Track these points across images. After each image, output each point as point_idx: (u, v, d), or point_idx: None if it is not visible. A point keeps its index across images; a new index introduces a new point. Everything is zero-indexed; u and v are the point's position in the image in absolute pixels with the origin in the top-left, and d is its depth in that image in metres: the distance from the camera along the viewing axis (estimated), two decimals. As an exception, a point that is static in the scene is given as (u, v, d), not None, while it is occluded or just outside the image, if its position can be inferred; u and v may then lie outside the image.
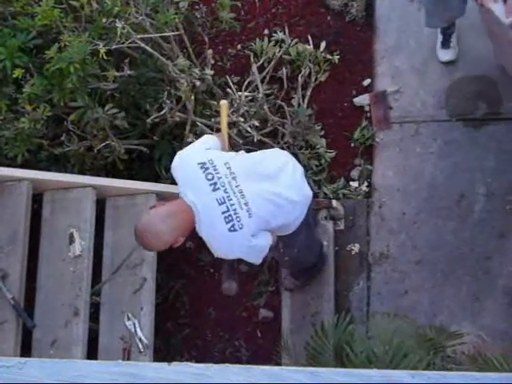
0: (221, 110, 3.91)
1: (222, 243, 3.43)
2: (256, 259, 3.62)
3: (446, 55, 4.87)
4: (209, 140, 3.71)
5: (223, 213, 3.35)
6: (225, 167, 3.44)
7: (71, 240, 4.38)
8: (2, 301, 4.26)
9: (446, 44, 4.83)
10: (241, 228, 3.36)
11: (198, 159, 3.45)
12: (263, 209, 3.45)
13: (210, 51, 4.80)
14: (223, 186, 3.38)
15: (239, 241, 3.40)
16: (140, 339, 4.28)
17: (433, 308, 4.48)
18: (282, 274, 4.60)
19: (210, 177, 3.39)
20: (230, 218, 3.35)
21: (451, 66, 4.89)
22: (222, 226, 3.35)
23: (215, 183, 3.38)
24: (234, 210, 3.36)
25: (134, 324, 4.30)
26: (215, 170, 3.41)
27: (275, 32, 5.15)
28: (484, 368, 3.22)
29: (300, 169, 3.75)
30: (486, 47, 4.75)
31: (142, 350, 4.27)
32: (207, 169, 3.41)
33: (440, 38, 4.83)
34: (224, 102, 3.93)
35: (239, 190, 3.40)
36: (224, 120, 3.84)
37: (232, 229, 3.35)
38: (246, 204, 3.38)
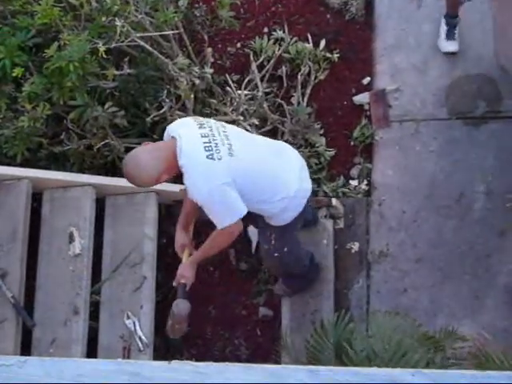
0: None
1: (198, 173, 3.42)
2: (223, 217, 3.53)
3: (450, 46, 4.88)
4: None
5: (204, 143, 3.42)
6: (218, 123, 3.61)
7: (71, 239, 4.38)
8: (1, 299, 4.26)
9: (450, 35, 4.85)
10: (219, 159, 3.40)
11: (191, 117, 3.72)
12: (247, 161, 3.51)
13: (209, 49, 4.80)
14: (209, 127, 3.49)
15: (215, 173, 3.40)
16: (140, 338, 4.29)
17: (433, 306, 4.48)
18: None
19: (198, 120, 3.55)
20: (209, 148, 3.40)
21: (452, 60, 4.89)
22: (200, 152, 3.39)
23: (202, 123, 3.51)
24: (216, 143, 3.43)
25: (134, 323, 4.30)
26: (205, 120, 3.60)
27: (275, 30, 5.15)
28: (485, 365, 3.23)
29: (301, 160, 3.81)
30: (485, 45, 4.76)
31: (141, 348, 4.27)
32: (197, 118, 3.62)
33: (445, 29, 4.84)
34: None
35: (225, 134, 3.50)
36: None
37: (210, 156, 3.39)
38: (229, 144, 3.46)
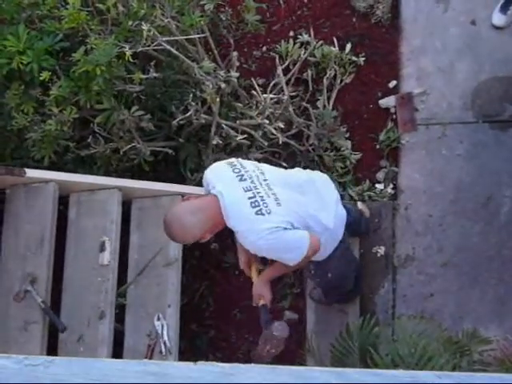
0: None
1: (252, 231, 3.30)
2: (294, 256, 3.41)
3: (500, 20, 4.90)
4: None
5: (249, 198, 3.30)
6: (254, 165, 3.47)
7: (102, 248, 4.38)
8: (30, 302, 4.29)
9: (504, 9, 4.88)
10: (269, 213, 3.27)
11: (226, 161, 3.49)
12: (293, 205, 3.38)
13: (235, 53, 4.80)
14: (250, 178, 3.38)
15: (268, 227, 3.27)
16: (164, 342, 4.29)
17: (459, 311, 4.45)
18: (307, 279, 4.57)
19: (236, 170, 3.40)
20: (256, 204, 3.29)
21: (479, 63, 4.87)
22: (248, 209, 3.29)
23: (242, 175, 3.38)
24: (261, 197, 3.31)
25: (163, 326, 4.30)
26: (242, 166, 3.43)
27: (300, 34, 5.14)
28: (511, 370, 3.20)
29: (335, 194, 3.69)
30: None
31: (164, 353, 4.27)
32: (235, 166, 3.43)
33: (502, 1, 4.87)
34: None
35: (266, 184, 3.37)
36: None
37: (259, 213, 3.27)
38: (273, 194, 3.34)
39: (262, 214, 3.27)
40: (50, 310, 4.27)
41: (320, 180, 3.69)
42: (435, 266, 4.55)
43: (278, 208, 3.30)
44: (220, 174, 3.44)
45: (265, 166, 3.53)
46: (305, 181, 3.60)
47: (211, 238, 3.57)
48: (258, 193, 3.32)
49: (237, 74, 4.65)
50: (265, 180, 3.39)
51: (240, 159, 3.50)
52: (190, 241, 3.46)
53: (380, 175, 4.82)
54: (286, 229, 3.30)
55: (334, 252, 3.69)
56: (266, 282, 3.74)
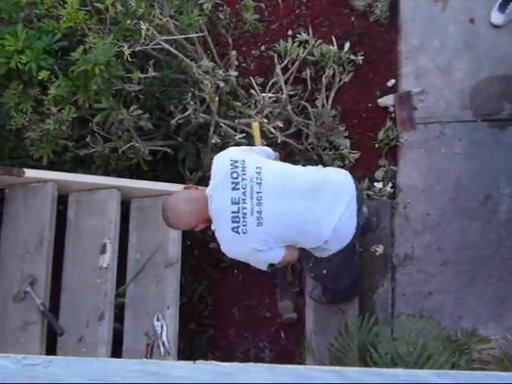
0: (253, 130, 4.04)
1: (225, 240, 3.46)
2: (259, 266, 3.62)
3: (498, 19, 4.91)
4: (260, 150, 3.76)
5: (232, 212, 3.37)
6: (254, 171, 3.44)
7: (103, 250, 4.38)
8: (30, 303, 4.28)
9: (502, 8, 4.88)
10: (244, 233, 3.37)
11: (233, 156, 3.49)
12: (277, 225, 3.43)
13: (233, 52, 4.81)
14: (244, 188, 3.40)
15: (239, 244, 3.42)
16: (163, 343, 4.29)
17: (458, 309, 4.45)
18: (306, 279, 4.57)
19: (234, 175, 3.42)
20: (236, 220, 3.37)
21: (477, 62, 4.87)
22: (226, 223, 3.38)
23: (237, 183, 3.40)
24: (244, 214, 3.37)
25: (162, 326, 4.30)
26: (243, 171, 3.43)
27: (299, 33, 5.14)
28: (510, 368, 3.20)
29: (348, 195, 3.61)
30: (510, 46, 4.73)
31: (162, 354, 4.26)
32: (236, 167, 3.44)
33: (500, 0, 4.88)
34: (255, 124, 4.04)
35: (258, 197, 3.40)
36: (257, 138, 3.98)
37: (235, 230, 3.37)
38: (258, 212, 3.38)
39: (238, 233, 3.37)
40: (48, 312, 4.26)
41: (335, 181, 3.63)
42: (434, 265, 4.55)
43: (256, 229, 3.37)
44: (220, 171, 3.48)
45: (269, 169, 3.50)
46: (315, 184, 3.55)
47: (208, 229, 3.66)
48: (244, 208, 3.37)
49: (235, 73, 4.65)
50: (258, 192, 3.40)
51: (248, 157, 3.50)
52: (184, 228, 3.67)
53: (379, 174, 4.82)
54: (259, 250, 3.42)
55: (338, 252, 3.67)
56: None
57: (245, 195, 3.38)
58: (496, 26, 4.89)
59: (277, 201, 3.42)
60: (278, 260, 3.54)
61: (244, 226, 3.36)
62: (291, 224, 3.47)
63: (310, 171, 3.64)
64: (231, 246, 3.46)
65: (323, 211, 3.50)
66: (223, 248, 3.50)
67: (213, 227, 3.48)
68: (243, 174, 3.42)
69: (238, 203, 3.37)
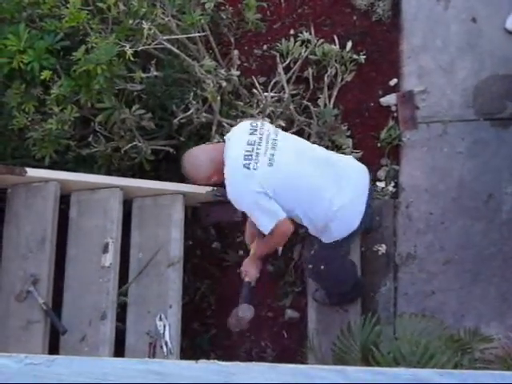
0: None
1: (235, 179, 3.57)
2: (263, 222, 3.64)
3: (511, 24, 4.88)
4: None
5: (246, 151, 3.53)
6: (273, 128, 3.71)
7: (105, 249, 4.38)
8: (32, 302, 4.28)
9: None
10: (254, 169, 3.51)
11: (253, 120, 3.82)
12: (285, 176, 3.58)
13: (235, 52, 4.81)
14: (261, 134, 3.59)
15: (248, 182, 3.52)
16: (166, 342, 4.28)
17: (460, 309, 4.45)
18: (309, 279, 4.56)
19: (254, 125, 3.66)
20: (249, 157, 3.52)
21: (479, 61, 4.86)
22: (239, 160, 3.53)
23: (255, 129, 3.61)
24: (257, 153, 3.53)
25: (164, 326, 4.30)
26: (262, 124, 3.69)
27: (301, 32, 5.14)
28: (513, 368, 3.20)
29: (361, 185, 3.81)
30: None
31: (165, 354, 4.26)
32: (256, 124, 3.68)
33: None
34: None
35: (273, 143, 3.58)
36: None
37: (246, 166, 3.51)
38: (271, 154, 3.54)
39: (248, 169, 3.52)
40: (51, 311, 4.26)
41: (351, 164, 3.87)
42: (437, 264, 4.55)
43: (266, 168, 3.53)
44: (240, 125, 3.77)
45: (288, 135, 3.83)
46: (330, 159, 3.79)
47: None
48: (258, 149, 3.55)
49: (237, 73, 4.66)
50: (274, 140, 3.60)
51: (268, 124, 3.77)
52: (200, 178, 3.73)
53: (381, 173, 4.81)
54: (264, 194, 3.53)
55: (340, 244, 3.78)
56: (255, 261, 3.95)
57: (261, 140, 3.58)
58: (510, 33, 4.87)
59: (290, 156, 3.63)
60: (278, 217, 3.58)
61: (256, 163, 3.52)
62: (298, 183, 3.63)
63: (328, 151, 3.92)
64: (239, 185, 3.57)
65: (333, 185, 3.67)
66: (229, 191, 3.60)
67: (225, 172, 3.57)
68: (261, 127, 3.64)
69: (253, 144, 3.56)
